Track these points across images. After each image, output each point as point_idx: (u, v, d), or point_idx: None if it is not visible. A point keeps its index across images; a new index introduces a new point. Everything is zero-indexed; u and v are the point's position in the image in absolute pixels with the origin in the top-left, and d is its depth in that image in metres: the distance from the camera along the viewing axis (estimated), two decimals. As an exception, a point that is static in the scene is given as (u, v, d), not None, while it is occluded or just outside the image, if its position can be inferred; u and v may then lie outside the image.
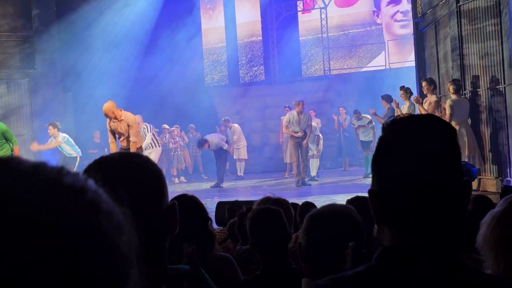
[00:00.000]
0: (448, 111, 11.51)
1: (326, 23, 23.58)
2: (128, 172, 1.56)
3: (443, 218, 1.39)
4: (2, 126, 13.42)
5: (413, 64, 16.85)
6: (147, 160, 1.63)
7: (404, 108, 13.72)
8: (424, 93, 12.72)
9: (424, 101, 12.38)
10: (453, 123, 11.46)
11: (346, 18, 23.58)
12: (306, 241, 2.36)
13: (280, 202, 4.42)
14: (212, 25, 24.85)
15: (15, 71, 18.88)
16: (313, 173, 17.38)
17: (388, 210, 1.41)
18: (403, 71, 20.76)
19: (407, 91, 13.88)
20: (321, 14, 23.67)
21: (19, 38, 19.07)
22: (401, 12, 22.40)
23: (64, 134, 16.58)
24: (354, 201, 4.60)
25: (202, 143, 17.95)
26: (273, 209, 3.42)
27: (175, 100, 22.20)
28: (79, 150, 16.75)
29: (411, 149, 1.39)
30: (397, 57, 22.44)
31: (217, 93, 23.49)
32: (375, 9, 23.07)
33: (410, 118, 1.45)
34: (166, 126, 20.39)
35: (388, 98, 15.18)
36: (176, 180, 19.82)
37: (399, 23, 22.54)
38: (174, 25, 23.15)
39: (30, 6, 18.98)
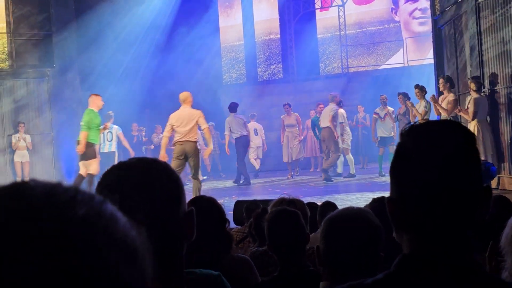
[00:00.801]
0: (472, 109, 11.42)
1: (344, 20, 23.52)
2: (145, 178, 1.56)
3: (461, 224, 1.38)
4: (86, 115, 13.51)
5: (431, 61, 16.76)
6: (165, 166, 1.63)
7: (420, 107, 13.66)
8: (441, 90, 12.67)
9: (440, 99, 12.32)
10: (474, 122, 11.41)
11: (364, 15, 23.51)
12: (324, 245, 2.36)
13: (294, 203, 4.40)
14: (230, 23, 24.87)
15: (34, 70, 19.00)
16: (340, 169, 17.40)
17: (406, 217, 1.41)
18: (421, 68, 20.65)
19: (422, 90, 13.83)
20: (339, 12, 23.61)
21: (38, 37, 19.20)
22: (419, 10, 22.29)
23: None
24: (378, 201, 4.59)
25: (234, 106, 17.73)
26: (291, 210, 3.42)
27: (193, 98, 22.22)
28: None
29: (430, 155, 1.38)
30: (415, 55, 22.34)
31: (235, 92, 23.51)
32: (393, 6, 22.99)
33: (429, 124, 1.45)
34: None
35: (405, 96, 15.13)
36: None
37: (417, 21, 22.44)
38: (192, 23, 23.19)
39: (48, 5, 19.09)
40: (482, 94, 11.78)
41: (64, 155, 18.81)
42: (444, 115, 11.94)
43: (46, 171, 18.63)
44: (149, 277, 0.71)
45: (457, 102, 12.32)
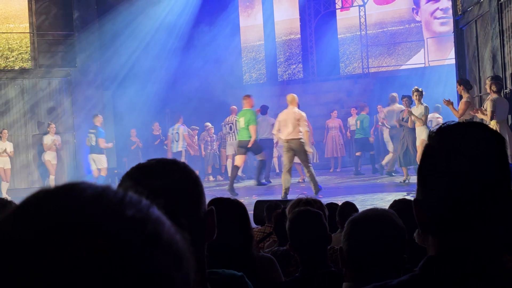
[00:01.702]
0: (489, 109, 11.36)
1: (365, 20, 23.46)
2: (166, 179, 1.57)
3: (489, 227, 1.37)
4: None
5: (453, 62, 16.67)
6: (184, 166, 1.64)
7: (416, 111, 13.62)
8: (459, 93, 12.66)
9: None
10: (493, 122, 11.33)
11: (385, 15, 23.43)
12: (347, 246, 2.37)
13: (311, 203, 4.40)
14: (250, 23, 24.90)
15: (56, 69, 19.14)
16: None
17: (433, 219, 1.41)
18: (443, 69, 20.55)
19: (421, 94, 13.93)
20: (359, 12, 23.55)
21: (60, 37, 19.34)
22: (440, 10, 22.18)
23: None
24: (399, 203, 4.58)
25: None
26: (313, 211, 3.43)
27: (214, 98, 22.29)
28: None
29: (457, 157, 1.38)
30: (436, 55, 22.23)
31: (255, 91, 23.51)
32: (414, 6, 22.89)
33: (456, 126, 1.44)
34: (209, 124, 20.50)
35: (410, 99, 14.97)
36: (211, 178, 19.89)
37: (439, 21, 22.33)
38: (213, 23, 23.24)
39: (71, 5, 19.22)
40: (502, 95, 11.71)
41: (85, 154, 18.92)
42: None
43: (67, 170, 18.76)
44: (193, 281, 0.73)
45: (470, 104, 12.25)
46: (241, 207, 3.41)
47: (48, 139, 17.72)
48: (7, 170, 17.33)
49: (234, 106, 19.34)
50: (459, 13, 15.12)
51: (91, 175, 18.38)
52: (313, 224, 3.30)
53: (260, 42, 24.77)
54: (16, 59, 19.15)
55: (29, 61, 19.24)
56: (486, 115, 11.47)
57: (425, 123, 13.49)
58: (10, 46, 19.15)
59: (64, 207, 0.67)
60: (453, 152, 1.39)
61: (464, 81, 12.62)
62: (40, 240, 0.65)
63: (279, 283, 3.35)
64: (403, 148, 14.23)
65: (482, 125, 1.46)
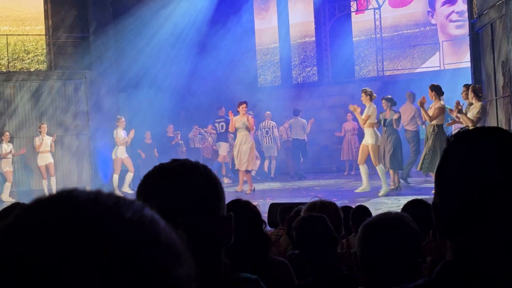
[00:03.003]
0: (476, 115, 11.53)
1: (380, 23, 23.41)
2: (185, 181, 1.58)
3: (507, 231, 1.36)
4: None
5: (468, 65, 16.61)
6: (204, 170, 1.64)
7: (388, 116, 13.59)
8: (431, 99, 12.78)
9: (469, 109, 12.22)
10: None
11: (400, 18, 23.37)
12: (361, 251, 2.37)
13: (326, 206, 4.39)
14: (265, 26, 24.91)
15: (72, 71, 19.24)
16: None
17: (450, 223, 1.40)
18: (458, 72, 20.45)
19: (388, 100, 13.96)
20: (374, 15, 23.50)
21: (76, 39, 19.44)
22: (456, 13, 22.09)
23: None
24: (410, 206, 4.57)
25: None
26: (316, 216, 3.44)
27: (229, 100, 22.32)
28: None
29: (475, 161, 1.37)
30: (451, 58, 22.13)
31: (270, 94, 23.53)
32: (429, 9, 22.81)
33: (475, 131, 1.44)
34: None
35: (388, 101, 14.82)
36: (226, 180, 19.93)
37: (454, 24, 22.24)
38: (227, 25, 23.27)
39: (87, 8, 19.32)
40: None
41: (100, 155, 19.01)
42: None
43: (82, 171, 18.83)
44: (194, 279, 0.74)
45: (443, 111, 12.56)
46: (254, 209, 3.41)
47: (37, 141, 17.61)
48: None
49: (269, 112, 19.98)
50: (475, 16, 15.07)
51: (108, 178, 18.54)
52: (317, 229, 3.32)
53: (275, 45, 24.77)
54: (31, 61, 19.28)
55: (45, 63, 19.35)
56: (472, 120, 11.55)
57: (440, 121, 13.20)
58: (26, 48, 19.28)
59: (60, 216, 0.68)
60: (470, 156, 1.38)
61: (436, 87, 12.79)
62: (37, 248, 0.65)
63: (293, 286, 3.34)
64: (390, 151, 14.13)
65: (499, 129, 1.45)
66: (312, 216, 3.47)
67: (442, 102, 12.78)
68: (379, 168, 13.77)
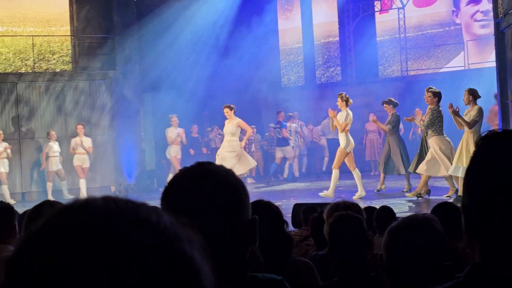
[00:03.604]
0: (474, 118, 11.53)
1: (404, 23, 23.31)
2: (208, 185, 1.59)
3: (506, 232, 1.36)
4: None
5: (494, 64, 16.48)
6: (227, 172, 1.65)
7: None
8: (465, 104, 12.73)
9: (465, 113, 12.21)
10: (471, 130, 11.49)
11: (424, 18, 23.24)
12: (387, 254, 2.37)
13: (349, 207, 4.39)
14: (289, 26, 24.89)
15: (97, 72, 19.37)
16: None
17: (478, 225, 1.39)
18: (483, 72, 20.30)
19: (389, 103, 13.88)
20: (398, 14, 23.40)
21: (100, 40, 19.57)
22: (481, 12, 21.93)
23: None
24: (439, 208, 4.56)
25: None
26: (354, 215, 3.43)
27: (252, 101, 22.35)
28: None
29: (502, 163, 1.36)
30: (476, 58, 21.98)
31: (294, 94, 23.51)
32: (454, 8, 22.66)
33: (504, 132, 1.43)
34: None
35: (391, 103, 14.77)
36: (249, 181, 19.98)
37: (479, 23, 22.07)
38: (251, 26, 23.28)
39: (111, 9, 19.44)
40: None
41: (125, 156, 19.11)
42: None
43: (106, 171, 18.95)
44: (212, 282, 0.76)
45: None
46: (275, 210, 3.42)
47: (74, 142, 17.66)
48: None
49: (296, 112, 20.10)
50: (500, 15, 14.94)
51: (131, 179, 18.67)
52: (353, 228, 3.31)
53: (299, 45, 24.74)
54: (57, 61, 19.44)
55: (70, 64, 19.51)
56: (468, 123, 11.55)
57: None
58: (51, 49, 19.45)
59: (79, 220, 0.72)
60: (499, 157, 1.38)
61: (437, 93, 12.86)
62: (55, 251, 0.69)
63: (319, 286, 3.35)
64: (389, 154, 14.09)
65: None
66: (349, 214, 3.47)
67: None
68: (356, 172, 13.79)
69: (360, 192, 13.66)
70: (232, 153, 14.60)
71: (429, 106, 12.82)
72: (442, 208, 4.69)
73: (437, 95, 12.84)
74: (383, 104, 14.68)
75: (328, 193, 13.58)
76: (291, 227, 6.13)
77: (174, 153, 17.76)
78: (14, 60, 19.12)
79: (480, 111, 11.69)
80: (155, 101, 20.65)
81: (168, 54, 20.40)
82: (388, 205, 6.28)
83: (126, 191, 18.94)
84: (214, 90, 21.84)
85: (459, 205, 4.88)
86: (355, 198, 13.18)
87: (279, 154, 20.09)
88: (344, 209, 4.10)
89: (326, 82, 24.41)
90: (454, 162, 11.82)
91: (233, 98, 21.96)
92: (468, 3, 22.27)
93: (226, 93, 21.91)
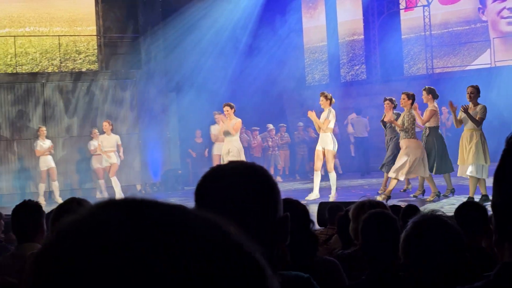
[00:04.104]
0: (481, 116, 11.36)
1: (429, 21, 23.16)
2: (240, 182, 1.59)
3: None
4: None
5: (520, 62, 16.35)
6: (261, 171, 1.66)
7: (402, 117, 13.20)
8: (425, 102, 12.64)
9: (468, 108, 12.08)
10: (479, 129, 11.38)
11: (450, 15, 23.08)
12: (405, 260, 2.34)
13: (375, 206, 4.38)
14: (313, 24, 24.84)
15: (122, 71, 19.49)
16: None
17: (509, 224, 1.38)
18: (510, 69, 20.15)
19: (392, 102, 13.67)
20: (424, 12, 23.26)
21: (126, 39, 19.69)
22: (507, 9, 21.73)
23: None
24: (463, 207, 4.54)
25: None
26: (389, 214, 3.43)
27: (276, 99, 22.35)
28: None
29: None
30: (503, 55, 21.79)
31: (318, 92, 23.43)
32: (480, 6, 22.48)
33: None
34: (270, 126, 20.71)
35: (392, 102, 14.54)
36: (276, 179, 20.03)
37: (506, 20, 21.87)
38: (275, 24, 23.29)
39: (137, 8, 19.55)
40: None
41: (150, 155, 19.21)
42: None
43: (132, 170, 19.04)
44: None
45: (435, 113, 12.70)
46: (302, 209, 3.41)
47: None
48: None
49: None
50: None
51: (157, 178, 18.74)
52: (386, 227, 3.30)
53: (323, 43, 24.69)
54: (83, 61, 19.60)
55: (96, 63, 19.65)
56: (477, 121, 11.39)
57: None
58: (77, 48, 19.60)
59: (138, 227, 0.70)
60: None
61: (431, 90, 12.70)
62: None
63: (345, 285, 3.34)
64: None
65: None
66: (384, 213, 3.47)
67: (435, 105, 12.80)
68: (332, 175, 13.61)
69: (316, 194, 13.55)
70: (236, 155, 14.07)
71: (406, 109, 12.68)
72: (466, 207, 4.67)
73: (412, 98, 12.73)
74: (385, 102, 14.49)
75: (333, 196, 13.36)
76: (316, 226, 6.13)
77: (217, 151, 17.20)
78: (41, 60, 19.31)
79: (485, 109, 11.53)
80: (180, 100, 20.71)
81: (193, 53, 20.47)
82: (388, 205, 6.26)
83: (152, 190, 19.05)
84: (239, 89, 21.86)
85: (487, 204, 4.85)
86: (310, 198, 13.13)
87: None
88: (370, 208, 4.09)
89: (351, 81, 24.34)
90: (459, 163, 11.67)
91: (258, 97, 21.99)
92: (494, 0, 22.08)
93: (251, 92, 21.94)
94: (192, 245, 0.67)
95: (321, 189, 13.91)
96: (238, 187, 1.59)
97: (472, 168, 11.29)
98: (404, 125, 12.53)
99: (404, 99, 12.76)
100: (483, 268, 3.28)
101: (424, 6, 23.26)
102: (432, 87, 13.27)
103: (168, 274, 0.65)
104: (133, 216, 0.70)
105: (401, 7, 23.85)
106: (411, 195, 13.05)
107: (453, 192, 12.86)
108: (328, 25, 24.47)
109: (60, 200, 15.18)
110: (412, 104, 12.72)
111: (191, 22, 20.22)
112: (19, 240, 4.34)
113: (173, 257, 0.66)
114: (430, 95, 12.73)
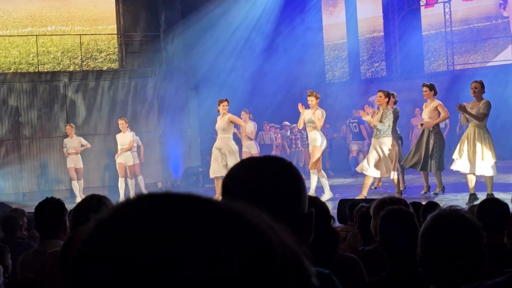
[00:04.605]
0: (484, 111, 11.23)
1: (450, 17, 23.04)
2: (270, 176, 1.59)
3: None
4: None
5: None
6: (289, 165, 1.65)
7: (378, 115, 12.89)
8: (426, 98, 12.56)
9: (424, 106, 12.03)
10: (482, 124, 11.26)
11: (471, 11, 22.94)
12: (423, 255, 2.34)
13: (395, 203, 4.37)
14: (333, 21, 24.80)
15: (143, 69, 19.58)
16: None
17: None
18: (531, 65, 20.02)
19: (385, 95, 13.05)
20: (444, 8, 23.14)
21: (146, 38, 19.77)
22: (529, 5, 21.58)
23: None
24: (486, 205, 4.53)
25: None
26: (406, 211, 3.43)
27: (297, 96, 22.32)
28: None
29: None
30: (525, 51, 21.64)
31: (338, 90, 23.42)
32: (501, 1, 22.32)
33: None
34: (287, 123, 20.70)
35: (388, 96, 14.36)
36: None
37: (528, 16, 21.72)
38: (296, 22, 23.28)
39: (157, 7, 19.62)
40: None
41: (171, 153, 19.28)
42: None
43: (153, 168, 19.11)
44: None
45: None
46: (322, 205, 3.42)
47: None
48: (131, 166, 17.11)
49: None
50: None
51: (178, 176, 18.78)
52: (404, 223, 3.30)
53: (343, 40, 24.64)
54: (104, 60, 19.72)
55: (117, 62, 19.76)
56: (477, 116, 11.23)
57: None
58: (98, 47, 19.72)
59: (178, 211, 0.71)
60: None
61: (433, 86, 12.66)
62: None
63: (365, 283, 3.35)
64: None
65: None
66: (402, 209, 3.47)
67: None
68: (322, 175, 13.35)
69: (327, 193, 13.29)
70: (228, 152, 13.90)
71: (388, 107, 12.52)
72: (488, 203, 4.65)
73: (388, 96, 12.59)
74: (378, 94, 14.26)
75: (326, 196, 13.07)
76: (337, 223, 6.14)
77: (246, 148, 16.80)
78: (62, 59, 19.45)
79: (489, 105, 11.41)
80: (200, 97, 20.77)
81: (213, 51, 20.51)
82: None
83: (172, 187, 19.12)
84: (259, 87, 21.89)
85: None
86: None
87: (355, 147, 20.21)
88: (391, 204, 4.09)
89: (371, 78, 24.27)
90: (460, 159, 11.49)
91: (278, 94, 22.00)
92: (516, -4, 21.93)
93: (271, 90, 21.96)
94: (227, 243, 0.68)
95: (318, 188, 13.72)
96: (270, 180, 1.59)
97: (487, 167, 11.18)
98: (382, 122, 12.32)
99: (380, 96, 12.61)
100: (505, 265, 3.28)
101: (444, 2, 23.13)
102: (432, 83, 13.14)
103: (205, 270, 0.66)
104: (156, 215, 0.70)
105: (421, 3, 23.74)
106: (432, 193, 12.95)
107: (443, 190, 12.81)
108: (348, 22, 24.42)
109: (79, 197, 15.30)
110: (388, 102, 12.57)
111: (211, 21, 20.25)
112: (42, 237, 4.39)
113: (212, 252, 0.67)
114: (432, 91, 12.67)
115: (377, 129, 12.48)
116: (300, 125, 13.80)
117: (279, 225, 0.77)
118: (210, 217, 0.70)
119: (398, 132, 13.89)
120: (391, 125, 12.48)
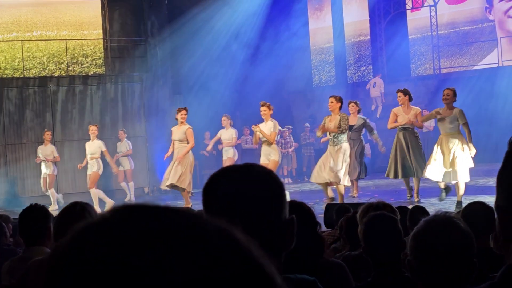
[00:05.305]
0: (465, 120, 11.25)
1: (436, 21, 23.13)
2: (248, 184, 1.58)
3: None
4: None
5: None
6: (268, 173, 1.65)
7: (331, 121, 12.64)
8: (401, 103, 12.58)
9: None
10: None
11: (457, 15, 23.04)
12: (415, 259, 2.33)
13: (381, 208, 4.37)
14: (319, 25, 24.85)
15: (129, 74, 19.54)
16: None
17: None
18: (517, 69, 20.12)
19: (337, 100, 12.71)
20: (430, 12, 23.22)
21: (133, 43, 19.73)
22: (514, 8, 21.68)
23: None
24: (471, 208, 4.53)
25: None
26: (389, 215, 3.42)
27: (283, 100, 22.34)
28: None
29: None
30: (510, 55, 21.73)
31: (325, 94, 23.44)
32: (487, 5, 22.43)
33: None
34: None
35: (359, 105, 14.43)
36: (286, 181, 20.00)
37: (513, 19, 21.83)
38: (282, 26, 23.30)
39: (143, 12, 19.60)
40: None
41: (158, 158, 19.23)
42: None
43: (139, 173, 19.06)
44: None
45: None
46: (308, 210, 3.40)
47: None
48: (128, 171, 17.39)
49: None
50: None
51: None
52: (387, 228, 3.30)
53: (330, 44, 24.68)
54: (90, 65, 19.66)
55: (103, 67, 19.70)
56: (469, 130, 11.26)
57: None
58: (84, 52, 19.66)
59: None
60: None
61: (408, 92, 12.70)
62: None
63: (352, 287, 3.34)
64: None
65: None
66: (384, 214, 3.47)
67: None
68: None
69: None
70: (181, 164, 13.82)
71: (335, 113, 12.38)
72: (472, 206, 4.66)
73: (340, 101, 12.54)
74: (350, 104, 14.31)
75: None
76: (323, 228, 6.12)
77: (230, 155, 16.56)
78: (48, 64, 19.37)
79: (463, 112, 11.41)
80: (187, 102, 20.72)
81: (200, 55, 20.50)
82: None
83: (159, 193, 19.06)
84: (246, 91, 21.89)
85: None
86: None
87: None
88: (377, 210, 4.08)
89: (358, 81, 24.33)
90: (436, 167, 11.45)
91: (265, 99, 21.94)
92: (501, 0, 22.03)
93: (257, 94, 21.94)
94: (200, 252, 0.67)
95: (304, 192, 13.65)
96: (249, 188, 1.58)
97: (466, 173, 11.18)
98: (340, 127, 12.24)
99: (332, 102, 12.49)
100: (490, 269, 3.27)
101: (430, 6, 23.22)
102: (406, 88, 13.15)
103: (177, 280, 0.65)
104: (143, 221, 0.70)
105: (407, 7, 23.83)
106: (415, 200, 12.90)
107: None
108: (335, 26, 24.47)
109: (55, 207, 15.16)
110: (340, 108, 12.51)
111: (198, 25, 20.25)
112: (27, 244, 4.36)
113: (182, 264, 0.66)
114: (407, 96, 12.67)
115: (341, 134, 12.34)
116: (255, 142, 13.42)
117: (248, 238, 0.74)
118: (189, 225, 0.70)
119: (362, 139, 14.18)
120: (346, 130, 12.44)
